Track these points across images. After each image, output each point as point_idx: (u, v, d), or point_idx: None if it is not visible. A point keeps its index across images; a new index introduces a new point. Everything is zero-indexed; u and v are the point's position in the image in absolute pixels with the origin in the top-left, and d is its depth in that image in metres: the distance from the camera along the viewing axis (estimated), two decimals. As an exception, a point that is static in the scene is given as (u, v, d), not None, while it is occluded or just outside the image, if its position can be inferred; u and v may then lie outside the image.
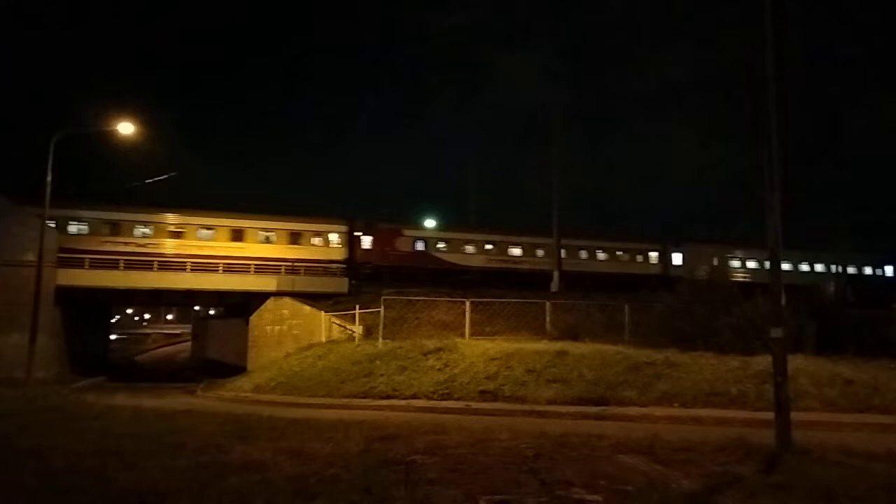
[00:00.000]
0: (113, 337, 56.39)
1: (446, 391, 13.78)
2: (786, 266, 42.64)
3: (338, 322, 23.07)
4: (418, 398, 13.76)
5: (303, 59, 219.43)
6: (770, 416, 7.41)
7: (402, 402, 13.55)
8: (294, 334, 26.61)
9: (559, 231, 34.42)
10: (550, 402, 12.30)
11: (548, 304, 19.26)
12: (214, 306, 49.72)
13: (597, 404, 11.79)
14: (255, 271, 31.68)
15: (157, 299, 40.46)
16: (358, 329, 20.86)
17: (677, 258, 42.24)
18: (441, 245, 38.47)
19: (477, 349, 15.67)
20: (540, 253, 38.41)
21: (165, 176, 39.24)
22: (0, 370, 23.05)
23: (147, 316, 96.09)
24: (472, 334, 17.93)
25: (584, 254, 40.92)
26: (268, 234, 35.10)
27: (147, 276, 29.99)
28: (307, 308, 26.30)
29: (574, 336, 16.92)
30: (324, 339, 22.93)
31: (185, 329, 76.94)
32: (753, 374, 11.90)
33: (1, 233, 26.20)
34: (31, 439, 7.57)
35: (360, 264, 35.67)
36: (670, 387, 12.15)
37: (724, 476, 5.57)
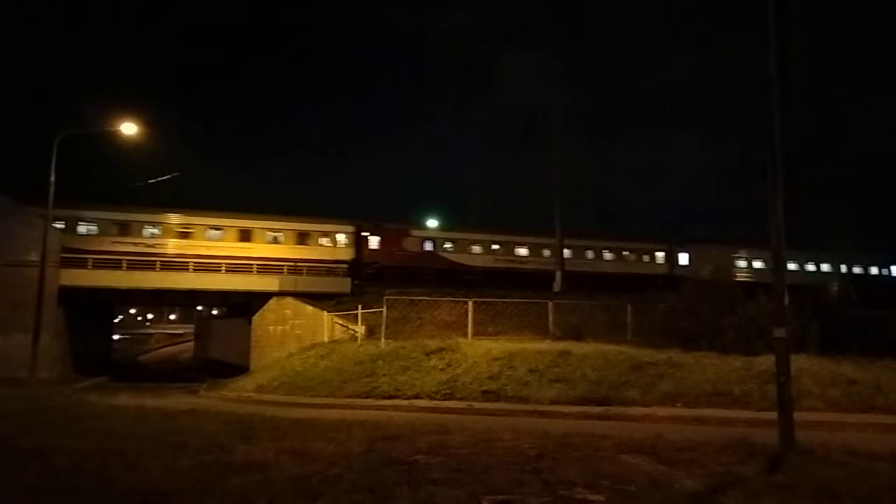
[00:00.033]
0: (116, 337, 56.46)
1: (449, 391, 13.78)
2: (792, 266, 43.01)
3: (340, 322, 23.07)
4: (421, 398, 13.76)
5: (303, 59, 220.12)
6: (773, 416, 7.40)
7: (405, 402, 13.55)
8: (297, 334, 26.63)
9: (562, 231, 34.45)
10: (553, 402, 12.29)
11: (550, 304, 19.24)
12: (217, 306, 49.78)
13: (600, 404, 11.77)
14: (257, 271, 31.71)
15: (160, 299, 40.50)
16: (360, 329, 20.87)
17: (683, 258, 42.30)
18: (448, 245, 38.55)
19: (479, 349, 15.67)
20: (546, 253, 38.47)
21: (168, 176, 39.40)
22: (3, 370, 23.07)
23: (150, 316, 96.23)
24: (474, 334, 17.93)
25: (590, 254, 41.09)
26: (276, 234, 35.28)
27: (150, 276, 30.03)
28: (310, 308, 26.31)
29: (577, 336, 16.91)
30: (326, 339, 22.93)
31: (187, 329, 76.99)
32: (756, 373, 11.88)
33: (4, 233, 26.23)
34: (34, 439, 7.58)
35: (367, 264, 35.79)
36: (673, 387, 12.13)
37: (727, 476, 5.56)
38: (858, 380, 11.58)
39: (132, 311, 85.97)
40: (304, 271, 32.49)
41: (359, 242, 36.56)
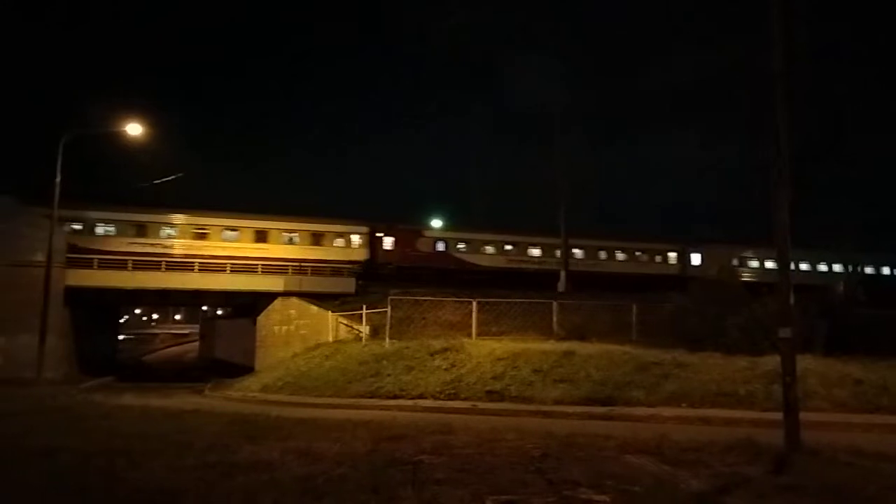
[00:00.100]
0: (121, 337, 56.61)
1: (453, 391, 13.78)
2: (804, 266, 42.92)
3: (345, 322, 23.10)
4: (425, 398, 13.76)
5: (303, 59, 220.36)
6: (779, 416, 7.37)
7: (409, 402, 13.55)
8: (301, 334, 26.67)
9: (567, 232, 34.45)
10: (557, 402, 12.28)
11: (555, 304, 19.22)
12: (222, 306, 49.86)
13: (604, 404, 11.75)
14: (262, 271, 31.79)
15: (165, 299, 40.70)
16: (365, 329, 20.88)
17: (696, 258, 42.35)
18: (461, 246, 38.73)
19: (483, 349, 15.66)
20: (559, 253, 38.61)
21: (173, 177, 39.31)
22: (10, 370, 23.18)
23: (155, 316, 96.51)
24: (478, 334, 17.92)
25: (602, 254, 41.18)
26: (291, 235, 35.54)
27: (155, 276, 30.11)
28: (314, 308, 26.34)
29: (581, 336, 16.88)
30: (331, 339, 22.96)
31: (192, 329, 77.19)
32: (762, 374, 11.84)
33: (10, 233, 26.31)
34: (40, 439, 7.61)
35: (381, 265, 36.01)
36: (678, 387, 12.10)
37: (732, 477, 5.55)
38: (865, 380, 11.53)
39: (137, 311, 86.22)
40: (309, 271, 32.56)
41: (373, 243, 36.89)
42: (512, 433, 7.82)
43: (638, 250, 42.32)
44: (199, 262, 31.19)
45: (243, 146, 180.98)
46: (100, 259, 29.35)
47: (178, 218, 33.80)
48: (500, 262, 38.72)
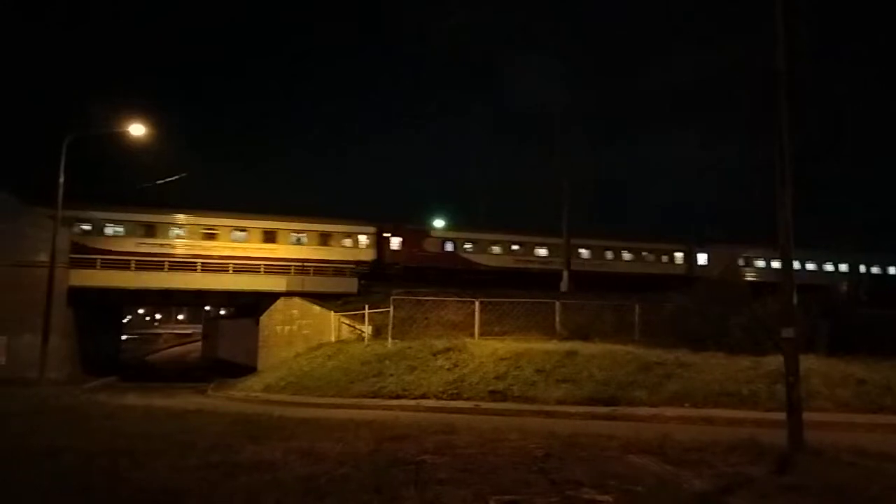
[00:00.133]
0: (124, 337, 56.71)
1: (456, 391, 13.78)
2: (810, 266, 42.95)
3: (347, 322, 23.11)
4: (428, 398, 13.76)
5: (303, 59, 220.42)
6: (782, 416, 7.36)
7: (412, 402, 13.55)
8: (304, 334, 26.68)
9: (569, 231, 34.42)
10: (560, 402, 12.27)
11: (557, 303, 19.20)
12: (225, 306, 49.93)
13: (607, 404, 11.74)
14: (265, 271, 31.83)
15: (168, 299, 40.78)
16: (367, 329, 20.89)
17: (702, 258, 42.40)
18: (468, 246, 38.85)
19: (486, 349, 15.66)
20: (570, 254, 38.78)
21: (176, 177, 39.39)
22: (13, 370, 23.24)
23: (158, 316, 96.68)
24: (481, 334, 17.90)
25: (609, 254, 41.24)
26: (299, 235, 35.67)
27: (158, 276, 30.15)
28: (317, 308, 26.35)
29: (584, 336, 16.85)
30: (333, 339, 22.97)
31: (195, 329, 77.28)
32: (765, 374, 11.83)
33: (14, 234, 26.36)
34: (43, 439, 7.63)
35: (389, 265, 36.12)
36: (681, 387, 12.09)
37: (735, 477, 5.54)
38: (868, 380, 11.51)
39: (140, 311, 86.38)
40: (312, 271, 32.59)
41: (380, 243, 37.02)
42: (515, 433, 7.82)
43: (644, 250, 42.49)
44: (202, 262, 31.25)
45: (243, 146, 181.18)
46: (103, 259, 29.42)
47: (188, 218, 33.96)
48: (507, 262, 38.82)
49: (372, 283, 31.32)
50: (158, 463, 6.05)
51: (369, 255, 36.53)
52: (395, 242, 37.24)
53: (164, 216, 33.65)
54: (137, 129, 23.46)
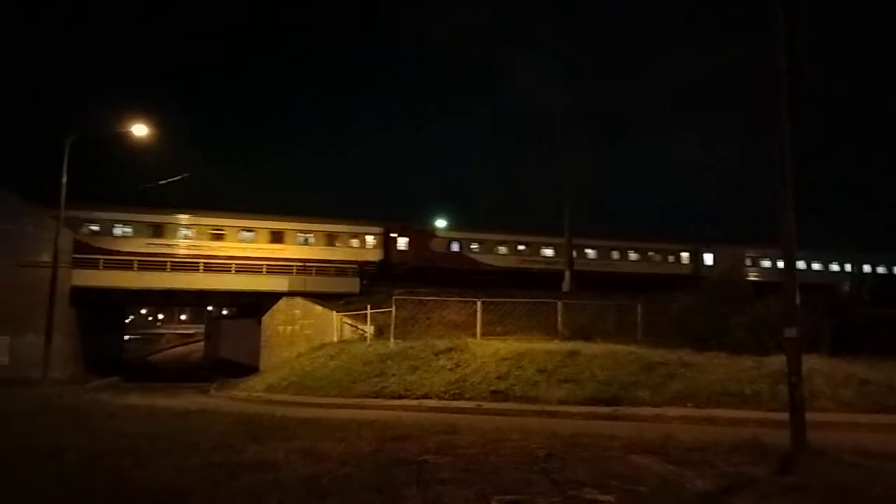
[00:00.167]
0: (127, 337, 56.81)
1: (457, 391, 13.78)
2: (816, 266, 43.18)
3: (349, 322, 23.12)
4: (430, 398, 13.76)
5: (303, 59, 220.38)
6: (784, 416, 7.35)
7: (414, 402, 13.56)
8: (306, 334, 26.71)
9: (571, 231, 34.49)
10: (562, 402, 12.27)
11: (559, 303, 19.19)
12: (227, 306, 50.02)
13: (609, 404, 11.74)
14: (267, 271, 31.87)
15: (171, 299, 40.82)
16: (369, 329, 20.90)
17: (709, 258, 42.52)
18: (475, 246, 38.96)
19: (488, 349, 15.66)
20: (573, 254, 38.84)
21: (179, 177, 39.58)
22: (16, 370, 23.29)
23: (161, 316, 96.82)
24: (483, 334, 17.90)
25: (615, 254, 41.36)
26: (307, 235, 35.80)
27: (161, 276, 30.20)
28: (319, 308, 26.37)
29: (586, 336, 16.84)
30: (335, 339, 22.98)
31: (198, 329, 77.39)
32: (767, 374, 11.81)
33: (17, 234, 26.43)
34: (47, 438, 7.65)
35: (396, 265, 36.21)
36: (683, 387, 12.08)
37: (738, 477, 5.54)
38: (871, 380, 11.50)
39: (143, 311, 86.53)
40: (314, 271, 32.62)
41: (387, 244, 37.14)
42: (516, 433, 7.82)
43: (651, 250, 42.69)
44: (204, 263, 31.30)
45: (243, 146, 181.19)
46: (105, 259, 29.47)
47: (196, 219, 34.16)
48: (513, 263, 38.96)
49: (378, 283, 31.35)
50: (161, 463, 6.06)
51: (376, 256, 36.70)
52: (402, 243, 37.42)
53: (172, 217, 33.85)
54: (140, 130, 23.49)
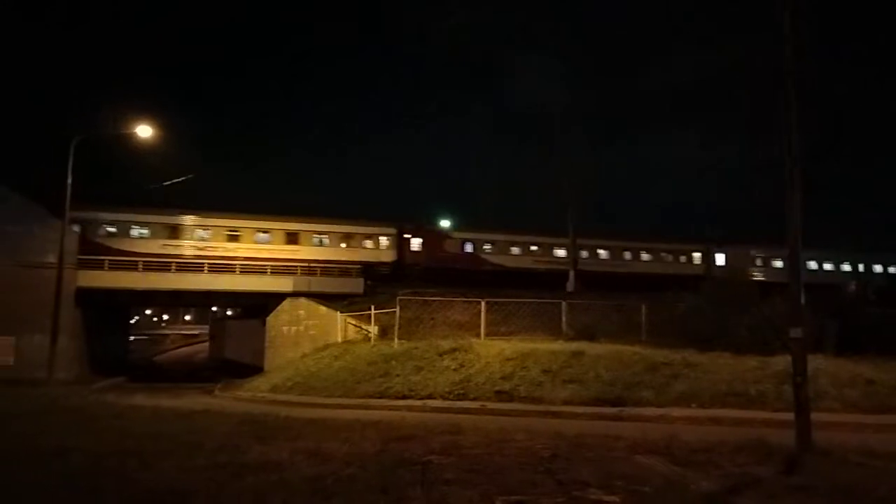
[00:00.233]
0: (132, 338, 56.96)
1: (462, 391, 13.77)
2: (828, 266, 43.45)
3: (353, 322, 23.14)
4: (434, 398, 13.76)
5: (303, 59, 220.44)
6: (789, 416, 7.33)
7: (418, 403, 13.56)
8: (310, 335, 26.73)
9: (575, 232, 34.55)
10: (566, 402, 12.25)
11: (564, 304, 19.18)
12: (232, 307, 50.15)
13: (613, 405, 11.72)
14: (271, 272, 31.96)
15: (176, 300, 40.99)
16: (373, 329, 20.92)
17: (720, 259, 42.55)
18: (487, 247, 39.12)
19: (492, 349, 15.65)
20: (584, 254, 39.00)
21: (183, 178, 39.78)
22: (22, 370, 23.40)
23: (165, 317, 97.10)
24: (487, 334, 17.91)
25: (627, 254, 41.50)
26: (321, 237, 35.95)
27: (166, 277, 30.33)
28: (323, 308, 26.41)
29: (590, 336, 16.83)
30: (340, 340, 23.01)
31: (202, 330, 77.61)
32: (772, 374, 11.78)
33: (23, 235, 26.54)
34: (52, 439, 7.66)
35: (409, 265, 36.33)
36: (688, 387, 12.05)
37: (743, 477, 5.52)
38: (877, 380, 11.46)
39: (148, 312, 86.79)
40: (318, 272, 32.69)
41: (401, 244, 37.26)
42: (521, 433, 7.81)
43: (662, 251, 42.85)
44: (209, 263, 31.40)
45: (243, 146, 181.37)
46: (111, 260, 29.59)
47: (212, 220, 34.43)
48: (526, 263, 39.11)
49: (391, 283, 31.39)
50: (166, 463, 6.08)
51: (390, 256, 37.06)
52: (416, 243, 37.76)
53: (188, 218, 34.11)
54: (144, 131, 23.56)
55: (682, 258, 43.13)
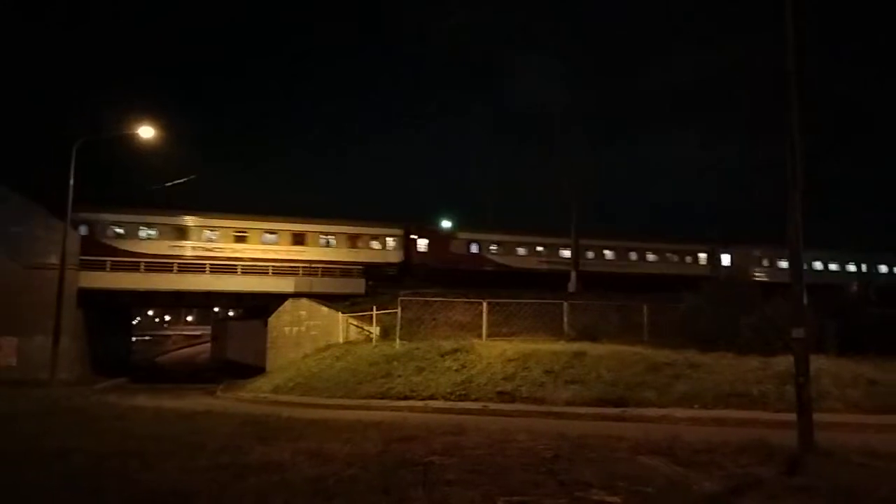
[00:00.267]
0: (134, 339, 57.03)
1: (464, 392, 13.77)
2: (833, 266, 43.59)
3: (355, 323, 23.15)
4: (436, 399, 13.76)
5: (303, 59, 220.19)
6: (791, 417, 7.32)
7: (420, 403, 13.56)
8: (312, 335, 26.75)
9: (577, 232, 34.56)
10: (568, 403, 12.25)
11: (565, 304, 19.17)
12: (234, 308, 50.17)
13: (615, 405, 11.71)
14: (273, 273, 31.99)
15: (178, 301, 41.03)
16: (375, 330, 20.93)
17: (726, 259, 42.58)
18: (494, 248, 39.13)
19: (494, 350, 15.64)
20: (589, 255, 39.04)
21: (185, 179, 39.87)
22: (24, 371, 23.43)
23: (167, 318, 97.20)
24: (489, 335, 17.90)
25: (633, 255, 41.53)
26: (328, 237, 36.12)
27: (168, 278, 30.36)
28: (325, 309, 26.43)
29: (592, 337, 16.82)
30: (341, 340, 23.02)
31: (204, 331, 77.62)
32: (774, 374, 11.76)
33: (24, 235, 26.57)
34: (54, 440, 7.68)
35: (416, 266, 36.42)
36: (690, 388, 12.03)
37: (745, 478, 5.52)
38: (879, 380, 11.44)
39: (150, 312, 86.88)
40: (320, 273, 32.72)
41: (408, 245, 37.38)
42: (523, 434, 7.80)
43: (668, 251, 42.95)
44: (211, 264, 31.43)
45: (243, 146, 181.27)
46: (112, 261, 29.62)
47: (220, 221, 34.57)
48: (532, 264, 39.20)
49: (395, 283, 31.45)
50: (168, 464, 6.08)
51: (396, 257, 37.21)
52: (422, 244, 37.90)
53: (196, 219, 34.22)
54: (146, 132, 23.60)
55: (688, 259, 43.21)
